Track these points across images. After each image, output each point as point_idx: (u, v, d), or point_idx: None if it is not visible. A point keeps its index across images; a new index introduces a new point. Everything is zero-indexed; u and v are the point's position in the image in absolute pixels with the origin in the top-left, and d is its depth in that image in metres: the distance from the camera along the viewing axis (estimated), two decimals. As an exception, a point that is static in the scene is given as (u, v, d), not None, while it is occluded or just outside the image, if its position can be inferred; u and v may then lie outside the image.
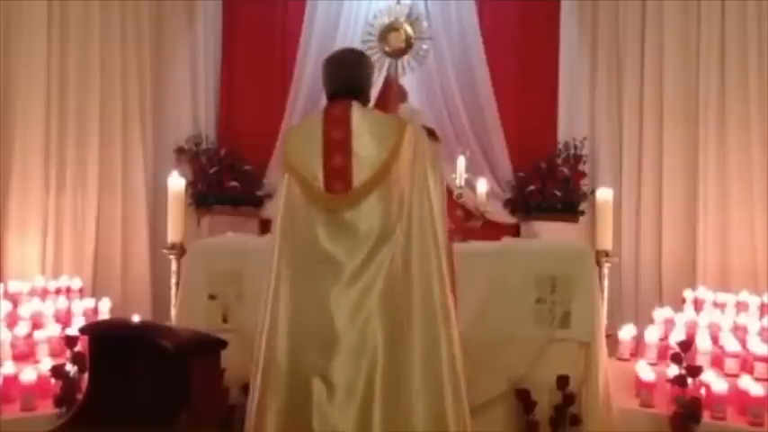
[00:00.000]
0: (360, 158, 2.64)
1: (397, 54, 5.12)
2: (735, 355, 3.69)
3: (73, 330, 3.56)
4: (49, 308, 4.11)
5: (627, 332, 4.09)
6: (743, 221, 5.05)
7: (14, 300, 4.22)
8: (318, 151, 2.66)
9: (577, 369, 3.51)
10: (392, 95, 5.08)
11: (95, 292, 4.76)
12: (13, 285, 4.35)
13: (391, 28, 5.11)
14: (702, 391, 3.40)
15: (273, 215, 2.85)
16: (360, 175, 2.63)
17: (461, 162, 4.53)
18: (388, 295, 2.57)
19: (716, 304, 4.46)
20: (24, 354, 3.70)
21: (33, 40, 4.76)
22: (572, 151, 5.47)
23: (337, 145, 2.66)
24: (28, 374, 3.33)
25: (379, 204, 2.63)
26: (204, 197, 5.35)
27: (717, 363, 3.74)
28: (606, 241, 4.08)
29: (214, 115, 5.67)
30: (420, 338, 2.57)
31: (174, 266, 3.92)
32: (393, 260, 2.58)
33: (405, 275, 2.60)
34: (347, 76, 2.78)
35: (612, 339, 4.00)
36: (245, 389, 3.40)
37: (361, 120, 2.70)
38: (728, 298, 4.48)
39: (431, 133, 3.69)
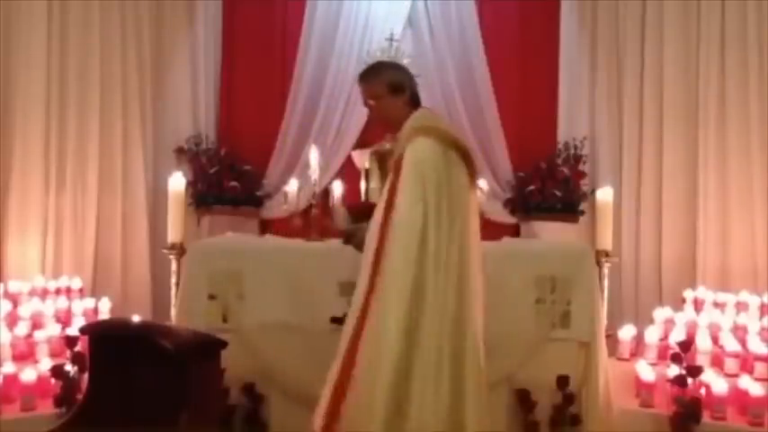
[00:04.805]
0: None
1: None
2: (735, 355, 3.69)
3: (73, 330, 3.56)
4: (49, 308, 4.11)
5: (627, 332, 4.09)
6: (743, 221, 5.05)
7: (14, 300, 4.22)
8: None
9: (577, 369, 3.52)
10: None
11: (95, 292, 4.75)
12: (13, 285, 4.35)
13: None
14: (702, 391, 3.41)
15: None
16: None
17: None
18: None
19: (716, 304, 4.47)
20: (24, 354, 3.70)
21: (33, 39, 4.76)
22: (572, 151, 5.47)
23: None
24: (28, 374, 3.32)
25: None
26: (204, 197, 5.34)
27: (717, 363, 3.74)
28: (606, 241, 4.08)
29: (214, 115, 5.66)
30: None
31: (174, 266, 3.92)
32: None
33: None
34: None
35: (612, 339, 4.00)
36: (245, 389, 3.42)
37: None
38: (728, 298, 4.48)
39: None
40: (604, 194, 4.26)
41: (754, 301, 4.38)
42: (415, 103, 2.87)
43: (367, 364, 2.55)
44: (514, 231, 5.45)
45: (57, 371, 3.35)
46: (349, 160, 5.27)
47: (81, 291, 4.57)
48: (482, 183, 4.88)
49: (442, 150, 2.72)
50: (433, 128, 2.80)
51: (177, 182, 4.04)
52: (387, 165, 4.16)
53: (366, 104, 2.93)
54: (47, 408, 3.30)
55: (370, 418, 2.50)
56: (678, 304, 4.56)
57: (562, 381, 3.45)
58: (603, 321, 3.75)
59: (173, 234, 3.95)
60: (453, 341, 2.61)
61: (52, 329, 3.83)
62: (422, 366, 2.55)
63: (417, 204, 2.61)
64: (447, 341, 2.59)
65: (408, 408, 2.52)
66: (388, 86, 2.84)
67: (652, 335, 3.97)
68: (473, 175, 2.84)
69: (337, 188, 4.16)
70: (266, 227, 5.36)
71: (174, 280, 3.90)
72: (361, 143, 5.28)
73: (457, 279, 2.64)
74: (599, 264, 3.95)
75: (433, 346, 2.57)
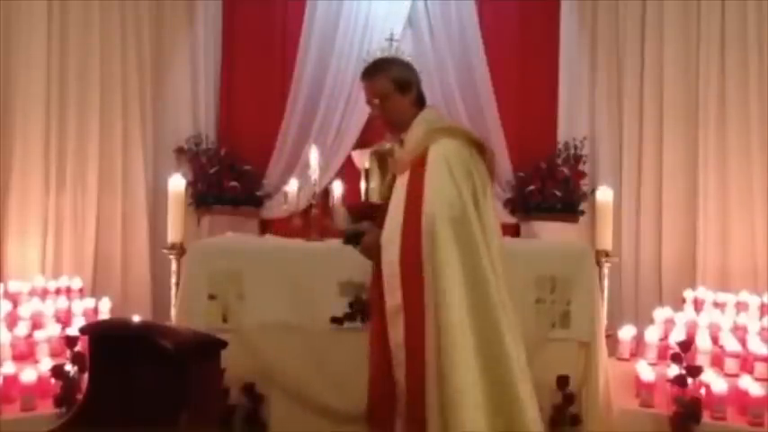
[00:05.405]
0: None
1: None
2: (735, 355, 3.69)
3: (73, 330, 3.56)
4: (49, 308, 4.11)
5: (627, 332, 4.09)
6: (743, 221, 5.05)
7: (14, 300, 4.22)
8: None
9: (577, 369, 3.52)
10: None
11: (95, 292, 4.76)
12: (13, 285, 4.35)
13: None
14: (702, 391, 3.41)
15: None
16: None
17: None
18: None
19: (716, 304, 4.47)
20: (24, 354, 3.70)
21: (33, 39, 4.76)
22: (572, 151, 5.46)
23: None
24: (28, 374, 3.33)
25: None
26: (204, 197, 5.34)
27: (717, 363, 3.74)
28: (606, 241, 4.09)
29: (214, 115, 5.66)
30: None
31: (174, 266, 3.93)
32: None
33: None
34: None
35: (612, 339, 4.01)
36: (245, 389, 3.42)
37: None
38: (728, 298, 4.48)
39: None
40: (604, 194, 4.26)
41: (754, 301, 4.38)
42: (420, 102, 2.72)
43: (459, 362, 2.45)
44: (514, 231, 5.45)
45: (57, 371, 3.35)
46: (349, 160, 5.27)
47: (81, 291, 4.57)
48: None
49: (468, 152, 2.64)
50: (457, 129, 2.73)
51: (177, 182, 4.05)
52: (387, 165, 4.18)
53: (369, 103, 2.73)
54: (47, 408, 3.30)
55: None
56: (678, 304, 4.56)
57: (562, 381, 3.45)
58: (603, 321, 3.75)
59: (173, 234, 3.95)
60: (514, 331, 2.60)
61: (52, 329, 3.83)
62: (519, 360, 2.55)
63: (450, 187, 2.52)
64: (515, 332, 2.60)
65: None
66: (395, 83, 2.66)
67: (652, 335, 3.97)
68: (492, 174, 2.78)
69: (337, 188, 4.16)
70: (266, 227, 5.36)
71: (174, 280, 3.91)
72: (361, 143, 5.29)
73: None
74: (599, 264, 3.95)
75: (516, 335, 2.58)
